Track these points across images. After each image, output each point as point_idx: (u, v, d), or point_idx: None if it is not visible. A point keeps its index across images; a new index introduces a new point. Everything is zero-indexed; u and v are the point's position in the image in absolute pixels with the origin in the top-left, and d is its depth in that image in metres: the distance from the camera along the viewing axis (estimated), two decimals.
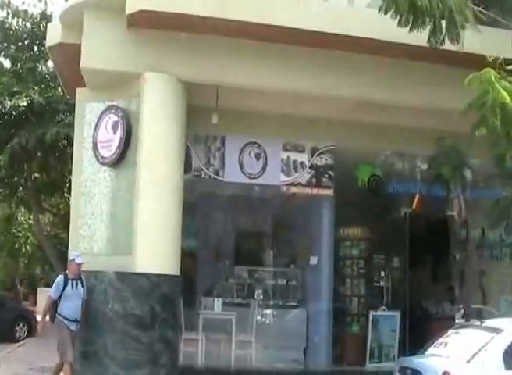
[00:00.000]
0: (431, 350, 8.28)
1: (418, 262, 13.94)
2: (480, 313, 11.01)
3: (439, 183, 11.05)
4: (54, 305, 9.79)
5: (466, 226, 13.01)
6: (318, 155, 12.03)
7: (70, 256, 10.08)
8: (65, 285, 9.71)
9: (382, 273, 13.52)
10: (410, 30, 8.27)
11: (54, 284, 9.88)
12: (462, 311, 11.70)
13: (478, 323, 8.40)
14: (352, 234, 13.39)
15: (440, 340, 8.37)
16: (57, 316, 9.77)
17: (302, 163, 11.95)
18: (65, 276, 9.82)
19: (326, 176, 12.07)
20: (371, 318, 12.69)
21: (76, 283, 9.77)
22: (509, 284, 12.88)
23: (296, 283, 13.15)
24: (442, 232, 14.18)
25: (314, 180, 12.02)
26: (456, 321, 9.86)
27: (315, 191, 12.04)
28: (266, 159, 11.74)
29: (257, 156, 11.74)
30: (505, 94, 8.14)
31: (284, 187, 11.93)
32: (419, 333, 11.94)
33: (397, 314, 12.80)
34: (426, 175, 12.15)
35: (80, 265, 9.82)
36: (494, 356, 7.42)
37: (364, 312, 13.07)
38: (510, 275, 12.79)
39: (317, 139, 11.95)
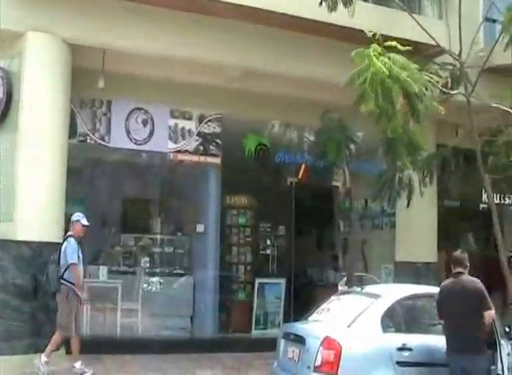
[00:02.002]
0: (314, 316, 8.44)
1: (304, 230, 14.24)
2: (362, 280, 11.36)
3: (325, 158, 11.27)
4: (56, 271, 9.00)
5: (349, 196, 13.35)
6: (206, 122, 12.00)
7: (74, 217, 9.38)
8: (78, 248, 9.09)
9: (268, 242, 13.71)
10: None
11: (71, 249, 9.02)
12: (345, 278, 12.02)
13: (359, 289, 8.67)
14: (239, 203, 13.44)
15: (323, 306, 8.55)
16: (66, 283, 8.97)
17: (189, 131, 11.89)
18: (75, 238, 9.15)
19: (214, 144, 12.07)
20: (256, 285, 12.87)
21: (81, 246, 9.25)
22: (389, 253, 13.34)
23: (183, 251, 13.14)
24: (327, 202, 14.54)
25: (201, 148, 12.00)
26: (340, 288, 10.11)
27: (202, 158, 12.03)
28: (153, 126, 11.60)
29: (144, 122, 11.56)
30: (384, 69, 8.36)
31: (171, 155, 11.84)
32: (304, 300, 12.20)
33: (282, 282, 13.05)
34: (313, 146, 12.37)
35: (85, 227, 9.29)
36: (373, 320, 7.66)
37: (250, 279, 13.21)
38: (390, 244, 13.24)
39: (205, 107, 11.91)
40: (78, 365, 8.97)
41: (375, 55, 8.50)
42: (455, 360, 7.51)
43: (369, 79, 8.50)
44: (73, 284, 9.00)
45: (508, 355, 7.81)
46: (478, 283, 7.56)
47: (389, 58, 8.67)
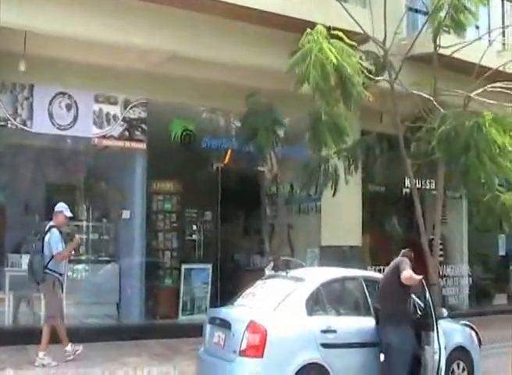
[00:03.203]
0: (239, 301, 8.51)
1: (230, 215, 14.25)
2: (288, 265, 11.47)
3: (253, 142, 11.28)
4: (41, 261, 9.14)
5: (276, 181, 13.43)
6: (131, 108, 11.87)
7: (57, 208, 9.53)
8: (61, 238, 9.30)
9: (195, 227, 13.70)
10: None
11: (54, 239, 9.23)
12: (272, 263, 12.09)
13: (284, 273, 8.77)
14: (165, 188, 13.33)
15: (248, 291, 8.62)
16: (51, 273, 9.19)
17: (114, 116, 11.73)
18: (57, 228, 9.33)
19: (139, 129, 11.95)
20: (183, 271, 12.84)
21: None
22: (314, 237, 13.51)
23: (109, 237, 13.01)
24: (254, 187, 14.60)
25: (126, 133, 11.87)
26: (267, 272, 10.19)
27: (128, 144, 11.90)
28: (77, 111, 11.39)
29: (68, 107, 11.34)
30: (329, 52, 8.50)
31: (96, 140, 11.66)
32: (231, 285, 12.29)
33: (209, 267, 13.05)
34: (239, 131, 12.36)
35: (67, 218, 9.44)
36: (297, 304, 7.79)
37: (176, 265, 13.17)
38: (316, 228, 13.41)
39: (130, 92, 11.76)
40: (69, 347, 9.37)
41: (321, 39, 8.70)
42: (379, 333, 7.79)
43: (312, 62, 8.68)
44: (59, 274, 9.29)
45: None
46: (400, 258, 7.89)
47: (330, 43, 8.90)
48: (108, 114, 11.66)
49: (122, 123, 11.80)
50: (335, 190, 11.12)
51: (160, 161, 12.06)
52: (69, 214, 9.54)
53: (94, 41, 10.20)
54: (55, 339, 9.31)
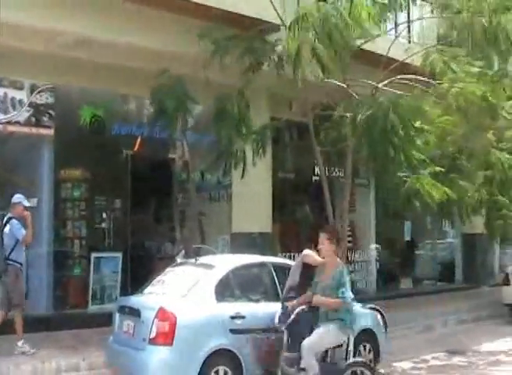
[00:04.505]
0: (149, 288, 8.49)
1: (141, 203, 14.10)
2: (199, 252, 11.47)
3: (163, 119, 11.11)
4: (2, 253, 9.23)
5: (187, 168, 13.37)
6: (38, 93, 11.51)
7: (15, 199, 9.67)
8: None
9: (104, 215, 13.45)
10: None
11: (17, 226, 9.46)
12: (183, 250, 12.08)
13: (193, 260, 8.79)
14: (73, 176, 13.00)
15: (158, 278, 8.61)
16: (12, 263, 9.37)
17: (20, 101, 11.35)
18: (16, 219, 9.39)
19: (46, 115, 11.61)
20: (92, 260, 12.63)
21: None
22: (225, 224, 13.56)
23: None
24: (165, 174, 14.50)
25: (33, 119, 11.51)
26: (178, 260, 10.17)
27: (35, 130, 11.54)
28: None
29: None
30: None
31: (1, 126, 11.28)
32: (142, 274, 12.12)
33: (119, 255, 12.89)
34: (150, 116, 12.20)
35: (26, 208, 9.40)
36: (206, 291, 7.84)
37: (85, 254, 12.94)
38: (227, 215, 13.46)
39: (37, 76, 11.40)
40: (20, 343, 9.35)
41: None
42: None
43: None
44: (19, 264, 9.45)
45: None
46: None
47: None
48: (13, 99, 11.27)
49: (28, 108, 11.44)
50: (243, 172, 11.12)
51: (68, 148, 11.78)
52: (27, 204, 9.70)
53: None
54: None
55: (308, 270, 7.95)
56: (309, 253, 8.03)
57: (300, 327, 7.59)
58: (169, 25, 10.87)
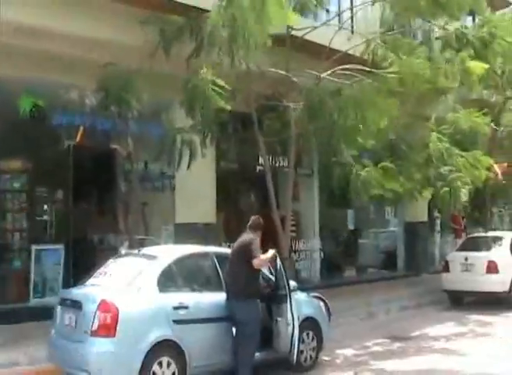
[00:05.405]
0: (91, 280, 8.41)
1: (83, 194, 13.92)
2: (143, 243, 11.40)
3: (108, 108, 10.99)
4: None
5: (130, 159, 13.23)
6: None
7: None
8: None
9: (45, 207, 13.27)
10: None
11: None
12: (127, 242, 12.00)
13: (136, 251, 8.74)
14: (13, 167, 12.72)
15: (100, 270, 8.53)
16: None
17: None
18: None
19: None
20: (33, 252, 12.41)
21: None
22: (169, 215, 13.48)
23: None
24: (108, 165, 14.34)
25: None
26: (122, 252, 10.09)
27: None
28: None
29: None
30: None
31: None
32: (85, 266, 11.95)
33: (61, 247, 12.69)
34: (93, 106, 12.04)
35: None
36: (149, 281, 7.82)
37: (26, 246, 12.70)
38: (171, 206, 13.37)
39: None
40: None
41: None
42: (230, 308, 8.00)
43: None
44: None
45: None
46: (248, 238, 8.09)
47: None
48: None
49: None
50: (189, 162, 11.07)
51: (8, 138, 11.53)
52: None
53: None
54: None
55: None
56: (260, 262, 8.08)
57: None
58: (112, 14, 10.73)
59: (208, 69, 10.28)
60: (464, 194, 14.32)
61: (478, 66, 12.54)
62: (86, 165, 13.34)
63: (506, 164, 20.34)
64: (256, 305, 8.07)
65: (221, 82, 10.22)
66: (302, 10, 11.94)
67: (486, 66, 12.48)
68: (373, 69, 11.74)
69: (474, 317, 13.63)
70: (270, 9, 9.86)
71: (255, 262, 7.96)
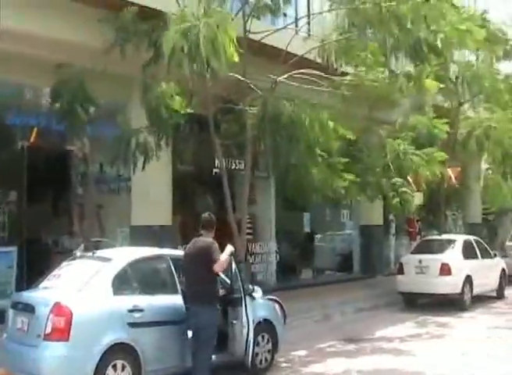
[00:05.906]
0: (44, 283, 8.29)
1: (38, 196, 13.68)
2: (99, 246, 11.30)
3: (62, 115, 10.89)
4: None
5: (86, 160, 13.15)
6: None
7: None
8: None
9: None
10: None
11: None
12: (82, 245, 11.86)
13: (90, 253, 8.65)
14: None
15: (54, 273, 8.42)
16: None
17: None
18: None
19: None
20: None
21: None
22: (125, 217, 13.35)
23: None
24: (63, 166, 14.17)
25: None
26: (77, 254, 9.98)
27: None
28: None
29: None
30: None
31: None
32: (39, 268, 11.77)
33: (14, 250, 12.48)
34: (48, 107, 11.90)
35: None
36: (103, 284, 7.74)
37: None
38: (127, 208, 13.26)
39: None
40: None
41: None
42: (187, 312, 7.98)
43: None
44: None
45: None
46: (208, 241, 8.02)
47: None
48: None
49: None
50: (144, 164, 10.99)
51: None
52: None
53: None
54: None
55: None
56: (221, 265, 8.05)
57: None
58: (69, 14, 10.64)
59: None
60: (419, 199, 14.62)
61: (432, 84, 13.05)
62: (40, 166, 13.12)
63: (459, 168, 20.77)
64: (216, 311, 8.03)
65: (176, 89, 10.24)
66: (259, 14, 12.00)
67: (441, 85, 13.05)
68: (328, 75, 11.86)
69: (428, 318, 13.89)
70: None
71: (216, 268, 7.86)
